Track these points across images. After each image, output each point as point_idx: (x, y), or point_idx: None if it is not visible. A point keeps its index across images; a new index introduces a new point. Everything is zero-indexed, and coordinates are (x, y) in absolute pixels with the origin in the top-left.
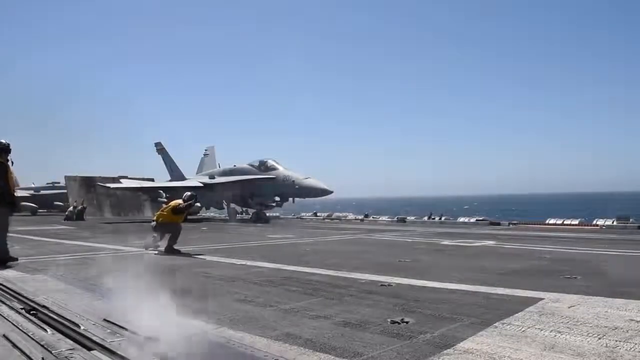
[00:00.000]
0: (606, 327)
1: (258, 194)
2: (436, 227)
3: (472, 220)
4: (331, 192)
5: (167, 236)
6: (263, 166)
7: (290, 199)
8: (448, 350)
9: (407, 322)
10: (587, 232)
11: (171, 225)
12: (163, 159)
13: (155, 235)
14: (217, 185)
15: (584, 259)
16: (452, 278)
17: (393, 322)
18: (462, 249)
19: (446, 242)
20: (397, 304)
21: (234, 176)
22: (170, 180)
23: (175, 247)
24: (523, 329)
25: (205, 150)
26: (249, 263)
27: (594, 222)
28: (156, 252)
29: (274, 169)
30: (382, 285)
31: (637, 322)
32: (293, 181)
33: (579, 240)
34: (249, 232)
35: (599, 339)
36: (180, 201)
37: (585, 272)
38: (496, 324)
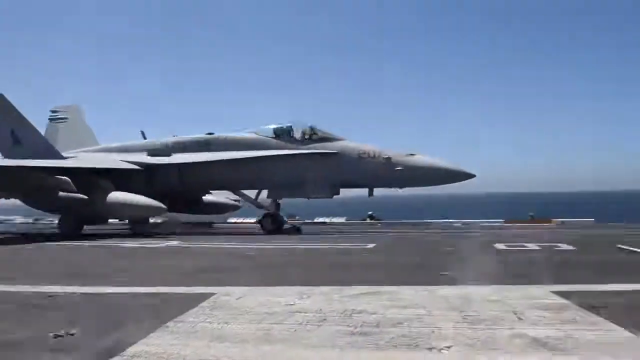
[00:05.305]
0: (266, 313)
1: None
2: None
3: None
4: (473, 175)
5: None
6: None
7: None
8: (115, 357)
9: (72, 335)
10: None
11: None
12: None
13: None
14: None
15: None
16: (122, 282)
17: (57, 337)
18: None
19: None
20: (62, 316)
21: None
22: None
23: None
24: (194, 325)
25: None
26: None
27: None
28: None
29: (333, 139)
30: (49, 296)
31: (291, 305)
32: (388, 158)
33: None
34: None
35: (258, 324)
36: None
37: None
38: (168, 324)
